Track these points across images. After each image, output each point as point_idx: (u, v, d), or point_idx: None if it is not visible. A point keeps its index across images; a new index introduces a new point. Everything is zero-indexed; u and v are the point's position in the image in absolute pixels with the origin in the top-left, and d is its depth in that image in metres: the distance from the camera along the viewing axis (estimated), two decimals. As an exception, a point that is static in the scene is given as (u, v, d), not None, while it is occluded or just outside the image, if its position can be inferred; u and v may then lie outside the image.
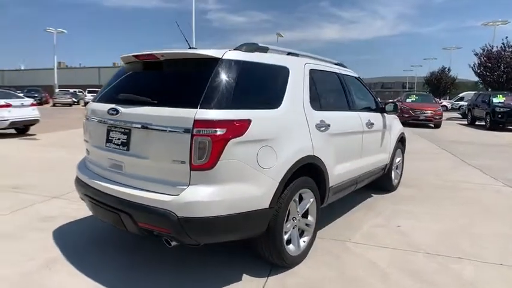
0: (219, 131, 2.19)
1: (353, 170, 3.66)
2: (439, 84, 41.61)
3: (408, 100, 18.00)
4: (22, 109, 9.81)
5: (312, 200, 2.98)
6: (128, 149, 2.49)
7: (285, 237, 2.71)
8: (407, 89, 73.43)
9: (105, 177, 2.64)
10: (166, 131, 2.27)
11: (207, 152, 2.17)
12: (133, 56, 2.74)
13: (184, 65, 2.52)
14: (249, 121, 2.33)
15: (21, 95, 11.22)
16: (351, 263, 2.94)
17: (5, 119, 9.28)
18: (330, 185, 3.20)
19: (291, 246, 2.80)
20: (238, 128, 2.27)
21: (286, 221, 2.74)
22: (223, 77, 2.36)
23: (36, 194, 4.52)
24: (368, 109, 4.25)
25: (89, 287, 2.47)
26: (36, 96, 26.80)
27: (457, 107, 26.90)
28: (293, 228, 2.84)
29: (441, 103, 26.32)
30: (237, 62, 2.46)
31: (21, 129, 10.43)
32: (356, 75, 4.25)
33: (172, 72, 2.56)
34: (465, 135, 13.32)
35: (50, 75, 30.83)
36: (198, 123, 2.17)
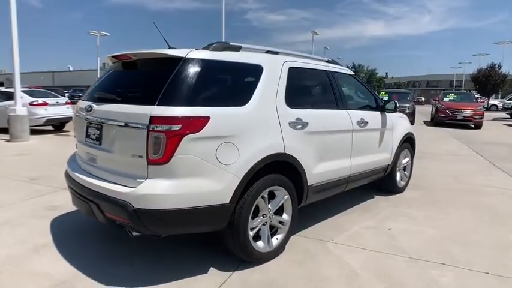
0: (174, 127, 2.27)
1: (340, 169, 3.58)
2: (488, 82, 38.81)
3: (445, 99, 17.05)
4: (57, 107, 10.59)
5: (286, 197, 2.97)
6: (100, 144, 2.65)
7: (252, 233, 2.73)
8: (454, 88, 69.33)
9: (84, 170, 2.82)
10: (128, 126, 2.39)
11: (162, 147, 2.26)
12: (112, 56, 2.90)
13: (153, 64, 2.63)
14: (207, 118, 2.38)
15: (63, 94, 12.04)
16: (323, 264, 2.90)
17: (42, 116, 10.08)
18: (308, 184, 3.16)
19: (259, 243, 2.82)
20: (195, 124, 2.33)
21: (255, 217, 2.76)
22: (184, 75, 2.43)
23: (49, 185, 4.90)
24: (364, 107, 4.13)
25: (67, 271, 2.66)
26: (81, 96, 28.64)
27: (510, 107, 24.92)
28: (263, 224, 2.85)
29: (483, 102, 24.49)
30: (200, 61, 2.52)
31: (57, 126, 11.28)
32: (350, 73, 4.14)
33: (142, 71, 2.69)
34: (506, 137, 12.37)
35: (94, 75, 32.83)
36: (153, 119, 2.26)
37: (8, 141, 9.02)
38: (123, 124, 2.41)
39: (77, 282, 2.52)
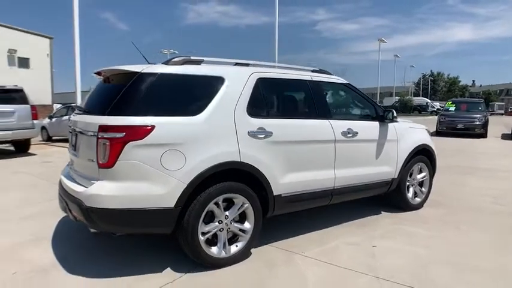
0: (118, 135, 2.52)
1: (320, 180, 3.48)
2: None
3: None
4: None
5: (246, 205, 3.01)
6: (75, 150, 3.03)
7: (204, 237, 2.82)
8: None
9: (68, 174, 3.22)
10: (86, 134, 2.72)
11: (107, 153, 2.53)
12: (95, 73, 3.30)
13: (117, 79, 2.94)
14: (152, 126, 2.59)
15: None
16: (279, 275, 2.86)
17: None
18: (275, 194, 3.16)
19: (214, 248, 2.90)
20: (138, 132, 2.55)
21: (209, 222, 2.87)
22: (135, 88, 2.69)
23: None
24: (356, 117, 3.96)
25: (49, 261, 3.04)
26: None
27: None
28: (220, 230, 2.93)
29: None
30: (153, 75, 2.76)
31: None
32: (342, 82, 4.01)
33: (109, 85, 3.01)
34: None
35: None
36: (101, 127, 2.55)
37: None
38: (83, 132, 2.75)
39: (52, 269, 2.89)
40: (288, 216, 4.04)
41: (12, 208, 4.59)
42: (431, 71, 70.62)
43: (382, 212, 4.49)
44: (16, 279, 2.74)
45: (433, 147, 4.74)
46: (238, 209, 3.00)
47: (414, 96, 53.81)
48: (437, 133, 15.41)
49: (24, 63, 25.06)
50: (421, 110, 44.59)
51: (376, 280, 2.78)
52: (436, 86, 72.22)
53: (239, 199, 2.98)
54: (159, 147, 2.62)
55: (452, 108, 16.24)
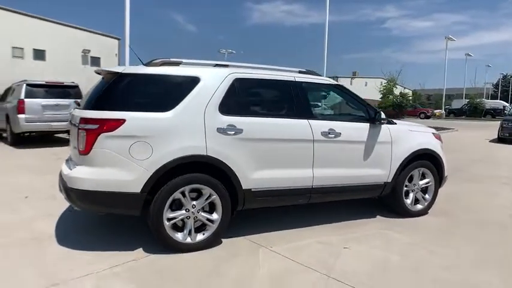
0: (92, 126, 2.90)
1: (296, 178, 3.56)
2: None
3: None
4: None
5: (214, 197, 3.22)
6: (71, 140, 3.51)
7: (169, 222, 3.10)
8: None
9: (67, 160, 3.70)
10: (74, 126, 3.15)
11: (84, 141, 2.93)
12: (95, 72, 3.75)
13: (106, 78, 3.32)
14: (122, 120, 2.93)
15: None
16: (237, 264, 3.03)
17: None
18: (245, 188, 3.32)
19: (179, 234, 3.16)
20: (110, 124, 2.91)
21: (176, 210, 3.14)
22: (114, 86, 3.06)
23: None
24: (342, 118, 3.92)
25: (47, 232, 3.55)
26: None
27: None
28: (187, 218, 3.19)
29: None
30: (130, 75, 3.11)
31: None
32: (331, 83, 3.99)
33: (100, 83, 3.41)
34: None
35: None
36: (81, 120, 2.96)
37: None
38: (73, 124, 3.19)
39: (45, 239, 3.40)
40: (277, 213, 4.19)
41: (45, 188, 5.32)
42: (506, 73, 63.31)
43: (378, 216, 4.38)
44: (13, 243, 3.29)
45: (440, 152, 4.47)
46: (206, 200, 3.22)
47: (491, 99, 48.67)
48: (499, 140, 14.00)
49: (95, 62, 27.92)
50: (494, 114, 40.17)
51: (325, 278, 2.82)
52: (518, 88, 64.51)
53: (206, 190, 3.20)
54: (129, 139, 2.95)
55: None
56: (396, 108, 23.28)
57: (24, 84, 9.22)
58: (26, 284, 2.64)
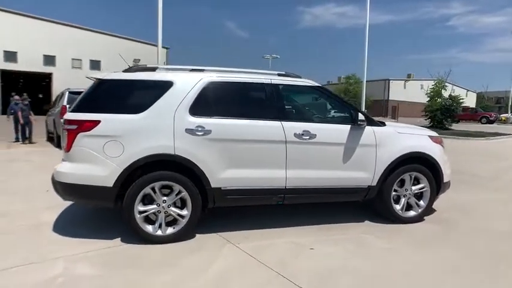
0: (72, 127, 3.28)
1: (268, 179, 3.65)
2: None
3: None
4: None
5: (183, 193, 3.44)
6: (67, 138, 3.94)
7: (139, 215, 3.36)
8: None
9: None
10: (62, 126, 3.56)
11: (66, 140, 3.31)
12: (87, 77, 4.15)
13: (93, 83, 3.71)
14: (97, 121, 3.27)
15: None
16: (202, 257, 3.21)
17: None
18: (214, 186, 3.49)
19: (150, 226, 3.41)
20: (86, 125, 3.26)
21: (147, 204, 3.39)
22: (94, 90, 3.42)
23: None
24: (320, 119, 3.92)
25: (48, 220, 3.99)
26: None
27: None
28: (158, 212, 3.43)
29: None
30: (108, 81, 3.45)
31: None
32: (312, 85, 3.98)
33: (88, 88, 3.80)
34: None
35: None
36: (65, 121, 3.35)
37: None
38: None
39: (45, 226, 3.84)
40: (260, 213, 4.30)
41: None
42: None
43: (366, 221, 4.28)
44: (14, 228, 3.77)
45: (437, 157, 4.24)
46: (176, 195, 3.44)
47: None
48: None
49: (146, 70, 29.97)
50: None
51: (275, 276, 2.88)
52: None
53: (176, 187, 3.42)
54: (103, 138, 3.27)
55: None
56: (445, 112, 21.58)
57: (67, 92, 10.26)
58: (7, 260, 3.02)
